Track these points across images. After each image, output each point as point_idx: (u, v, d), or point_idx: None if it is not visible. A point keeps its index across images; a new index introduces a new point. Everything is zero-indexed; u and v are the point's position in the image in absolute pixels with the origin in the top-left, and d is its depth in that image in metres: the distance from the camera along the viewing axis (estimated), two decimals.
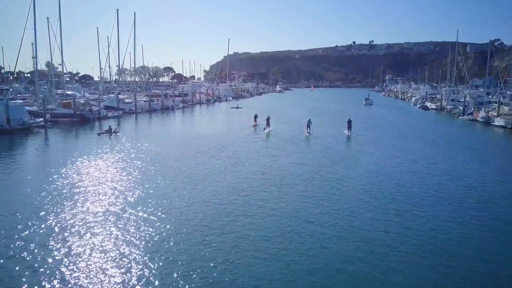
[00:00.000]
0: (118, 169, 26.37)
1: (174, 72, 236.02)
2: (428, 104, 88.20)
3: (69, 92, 75.27)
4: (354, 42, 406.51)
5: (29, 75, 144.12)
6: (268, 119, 45.44)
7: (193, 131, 47.56)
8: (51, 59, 71.63)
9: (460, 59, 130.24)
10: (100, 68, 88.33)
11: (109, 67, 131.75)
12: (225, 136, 43.01)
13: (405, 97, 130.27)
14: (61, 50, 62.96)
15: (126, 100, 70.03)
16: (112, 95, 71.53)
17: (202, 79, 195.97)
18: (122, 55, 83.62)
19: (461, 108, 69.83)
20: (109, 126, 42.22)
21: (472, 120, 61.15)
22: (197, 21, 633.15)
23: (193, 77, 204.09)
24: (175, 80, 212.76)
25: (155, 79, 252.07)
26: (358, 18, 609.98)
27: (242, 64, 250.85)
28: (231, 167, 27.22)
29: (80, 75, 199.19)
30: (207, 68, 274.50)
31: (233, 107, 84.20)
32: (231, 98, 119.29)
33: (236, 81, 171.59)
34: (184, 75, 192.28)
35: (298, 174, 25.44)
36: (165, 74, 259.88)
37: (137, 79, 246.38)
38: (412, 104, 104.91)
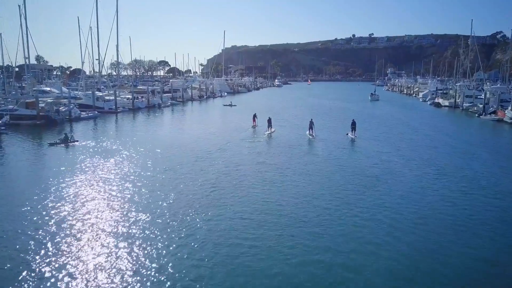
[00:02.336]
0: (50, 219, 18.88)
1: (169, 65, 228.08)
2: (441, 100, 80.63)
3: (46, 89, 67.75)
4: (353, 35, 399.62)
5: (17, 69, 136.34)
6: (269, 120, 41.12)
7: (180, 137, 39.98)
8: (25, 51, 63.54)
9: (462, 52, 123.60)
10: (82, 62, 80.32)
11: (99, 60, 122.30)
12: (219, 142, 36.28)
13: (411, 92, 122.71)
14: (27, 39, 55.27)
15: (107, 98, 62.12)
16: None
17: (199, 73, 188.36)
18: (103, 46, 75.27)
19: (481, 106, 62.50)
20: (65, 134, 34.03)
21: (497, 120, 53.71)
22: (194, 14, 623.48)
23: (189, 71, 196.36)
24: (171, 74, 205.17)
25: (149, 73, 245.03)
26: (357, 11, 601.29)
27: (240, 57, 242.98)
28: (234, 191, 20.45)
29: (71, 69, 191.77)
30: (205, 62, 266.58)
31: (226, 105, 76.43)
32: (226, 93, 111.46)
33: (233, 75, 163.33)
34: (180, 69, 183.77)
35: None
36: (160, 68, 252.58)
37: (130, 73, 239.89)
38: (421, 100, 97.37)
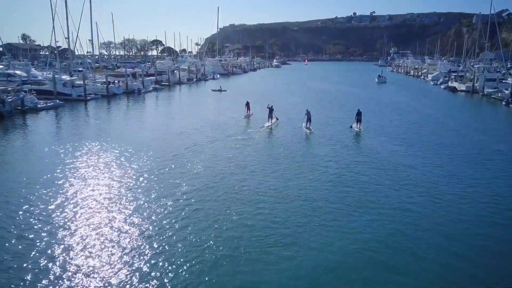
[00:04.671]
0: None
1: (163, 45, 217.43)
2: (456, 84, 72.07)
3: (10, 72, 59.03)
4: (354, 13, 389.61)
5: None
6: (271, 109, 35.29)
7: (151, 135, 31.79)
8: None
9: (465, 31, 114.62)
10: (56, 41, 70.86)
11: (68, 38, 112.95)
12: (200, 141, 28.80)
13: (419, 74, 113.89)
14: None
15: (78, 83, 53.38)
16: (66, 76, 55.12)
17: (194, 53, 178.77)
18: (80, 23, 66.08)
19: (507, 91, 54.27)
20: None
21: None
22: None
23: (183, 51, 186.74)
24: (165, 54, 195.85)
25: (142, 53, 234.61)
26: None
27: (237, 36, 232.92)
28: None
29: (60, 48, 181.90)
30: (203, 42, 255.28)
31: (215, 90, 67.79)
32: (218, 76, 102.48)
33: (228, 55, 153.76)
34: (175, 48, 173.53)
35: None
36: (154, 47, 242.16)
37: (122, 53, 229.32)
38: (431, 83, 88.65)
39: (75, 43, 66.98)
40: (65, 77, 53.98)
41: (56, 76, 50.73)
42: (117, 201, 17.41)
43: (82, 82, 52.77)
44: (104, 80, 58.74)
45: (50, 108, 43.64)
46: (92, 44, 74.31)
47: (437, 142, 29.23)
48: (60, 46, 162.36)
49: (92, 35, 66.20)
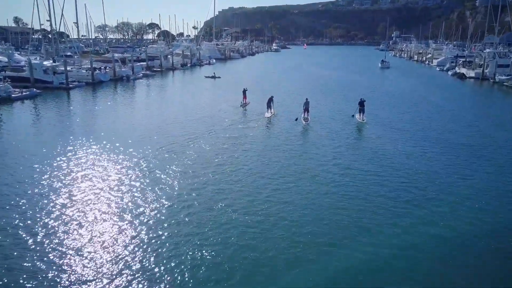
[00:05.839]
0: None
1: (160, 29, 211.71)
2: (464, 70, 68.10)
3: None
4: None
5: None
6: (271, 100, 32.58)
7: (136, 127, 28.31)
8: None
9: (469, 14, 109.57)
10: (40, 24, 66.90)
11: (50, 21, 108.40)
12: (191, 133, 25.72)
13: (424, 59, 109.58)
14: None
15: (61, 69, 49.40)
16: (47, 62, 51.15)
17: (192, 36, 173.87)
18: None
19: None
20: None
21: None
22: None
23: (181, 34, 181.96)
24: (162, 38, 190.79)
25: (138, 36, 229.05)
26: None
27: (235, 19, 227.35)
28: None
29: (54, 32, 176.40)
30: (202, 25, 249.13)
31: (208, 76, 63.78)
32: (214, 60, 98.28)
33: (225, 39, 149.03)
34: (172, 32, 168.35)
35: None
36: (150, 31, 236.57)
37: (118, 37, 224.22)
38: (437, 69, 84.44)
39: (59, 25, 62.56)
40: (46, 62, 50.00)
41: (34, 61, 46.90)
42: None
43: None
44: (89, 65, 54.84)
45: (26, 98, 39.85)
46: (78, 26, 69.72)
47: (460, 142, 25.44)
48: (54, 29, 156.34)
49: (77, 16, 61.66)
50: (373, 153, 22.24)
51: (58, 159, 20.75)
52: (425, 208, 15.19)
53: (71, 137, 25.29)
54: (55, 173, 18.70)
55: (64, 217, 14.48)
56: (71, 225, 13.92)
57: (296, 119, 29.82)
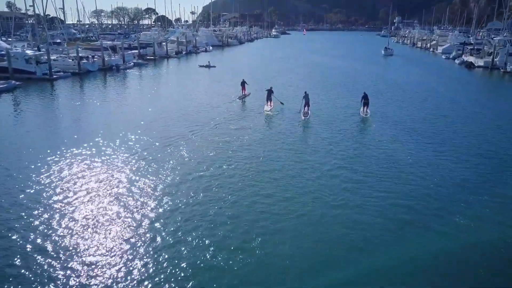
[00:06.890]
0: None
1: (157, 14, 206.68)
2: (472, 59, 64.79)
3: None
4: None
5: None
6: (270, 92, 30.39)
7: (121, 124, 25.33)
8: None
9: None
10: (26, 9, 63.16)
11: (33, 4, 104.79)
12: (181, 132, 23.05)
13: (428, 45, 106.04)
14: None
15: (44, 58, 46.07)
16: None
17: (190, 22, 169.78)
18: None
19: None
20: None
21: None
22: None
23: (178, 20, 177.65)
24: (159, 23, 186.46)
25: (135, 22, 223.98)
26: None
27: (234, 4, 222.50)
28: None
29: (49, 17, 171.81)
30: (200, 10, 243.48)
31: (202, 66, 60.37)
32: (211, 47, 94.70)
33: (223, 24, 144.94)
34: (170, 18, 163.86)
35: None
36: (147, 16, 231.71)
37: (114, 22, 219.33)
38: (443, 57, 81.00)
39: (44, 10, 59.05)
40: (29, 51, 46.72)
41: (16, 50, 43.67)
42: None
43: (53, 58, 45.77)
44: (81, 54, 51.53)
45: (2, 91, 36.73)
46: (64, 12, 65.71)
47: (479, 144, 22.57)
48: (48, 15, 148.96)
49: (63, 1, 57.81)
50: (391, 161, 19.37)
51: (32, 158, 17.87)
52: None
53: (50, 134, 22.42)
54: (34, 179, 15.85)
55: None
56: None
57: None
